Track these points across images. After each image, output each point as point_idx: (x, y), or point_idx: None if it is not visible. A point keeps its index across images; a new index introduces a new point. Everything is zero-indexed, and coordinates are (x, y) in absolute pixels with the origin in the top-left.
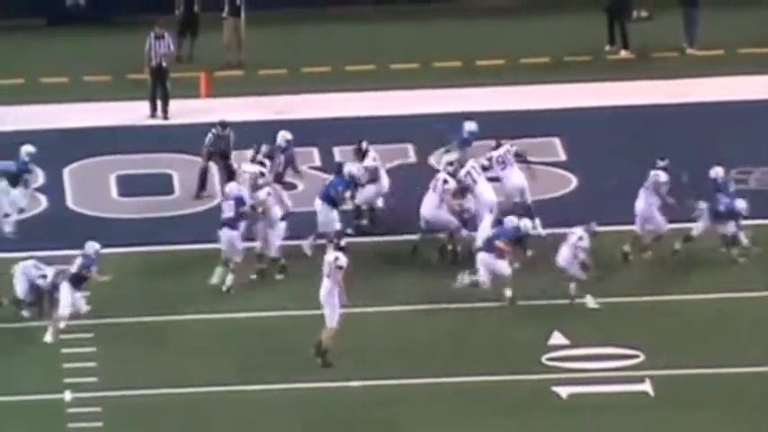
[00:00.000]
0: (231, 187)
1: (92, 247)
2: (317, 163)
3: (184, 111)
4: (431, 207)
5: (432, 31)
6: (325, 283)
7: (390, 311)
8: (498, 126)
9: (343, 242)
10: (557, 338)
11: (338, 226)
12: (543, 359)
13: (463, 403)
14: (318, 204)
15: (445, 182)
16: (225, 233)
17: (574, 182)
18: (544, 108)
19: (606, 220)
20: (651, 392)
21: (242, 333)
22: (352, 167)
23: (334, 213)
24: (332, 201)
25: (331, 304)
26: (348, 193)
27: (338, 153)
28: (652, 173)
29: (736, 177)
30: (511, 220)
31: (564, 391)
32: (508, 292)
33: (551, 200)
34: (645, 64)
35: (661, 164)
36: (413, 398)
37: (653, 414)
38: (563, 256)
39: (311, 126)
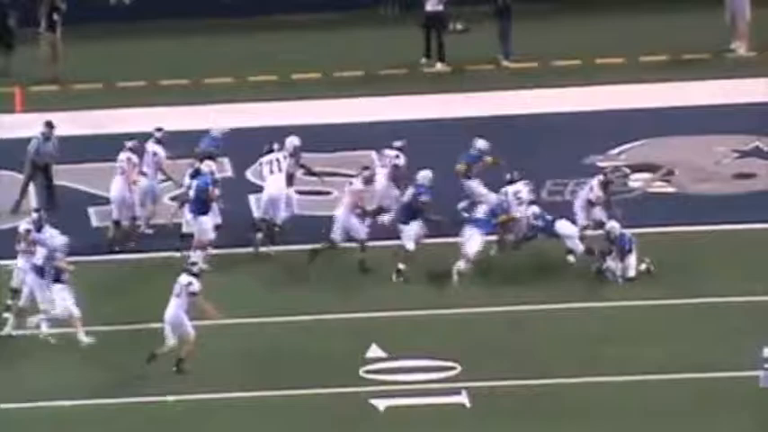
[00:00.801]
0: (43, 236)
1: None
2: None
3: None
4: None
5: (247, 46)
6: (173, 302)
7: (206, 325)
8: (316, 140)
9: (196, 268)
10: (374, 351)
11: (212, 233)
12: (361, 372)
13: (280, 417)
14: (190, 216)
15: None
16: (31, 278)
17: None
18: (360, 121)
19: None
20: (467, 404)
21: (56, 348)
22: (206, 165)
23: (207, 219)
24: (202, 208)
25: (178, 323)
26: (218, 190)
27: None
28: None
29: (551, 189)
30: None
31: (381, 404)
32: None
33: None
34: (460, 77)
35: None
36: (227, 412)
37: (469, 426)
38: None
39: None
